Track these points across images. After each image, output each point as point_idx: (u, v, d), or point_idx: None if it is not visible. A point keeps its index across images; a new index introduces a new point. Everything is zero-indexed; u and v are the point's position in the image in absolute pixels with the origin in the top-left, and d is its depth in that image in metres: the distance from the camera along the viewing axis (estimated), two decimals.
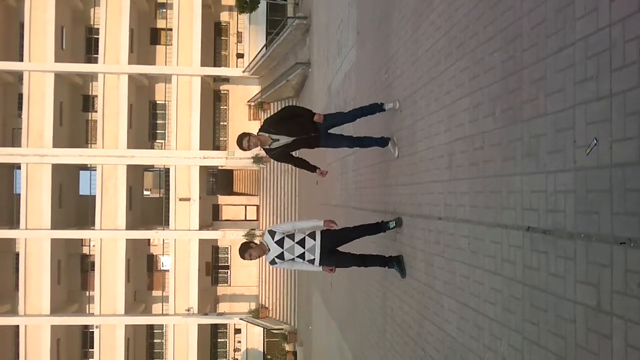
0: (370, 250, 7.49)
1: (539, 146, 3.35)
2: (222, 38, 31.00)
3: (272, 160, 27.04)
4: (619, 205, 2.61)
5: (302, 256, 6.11)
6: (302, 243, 6.10)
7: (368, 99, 6.90)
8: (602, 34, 2.75)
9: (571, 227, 3.01)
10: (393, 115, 6.85)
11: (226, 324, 30.17)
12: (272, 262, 6.20)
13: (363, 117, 6.88)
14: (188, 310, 27.44)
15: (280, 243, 6.08)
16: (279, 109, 6.81)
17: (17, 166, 27.70)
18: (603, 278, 2.72)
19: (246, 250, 6.09)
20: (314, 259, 6.13)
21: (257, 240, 27.57)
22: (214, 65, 29.91)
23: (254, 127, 29.16)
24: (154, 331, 30.51)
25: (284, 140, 6.23)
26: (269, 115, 6.59)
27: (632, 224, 2.51)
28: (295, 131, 6.23)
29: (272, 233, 6.16)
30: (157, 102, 30.13)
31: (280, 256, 6.10)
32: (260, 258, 6.41)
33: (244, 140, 6.16)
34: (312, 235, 6.17)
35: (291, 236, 6.13)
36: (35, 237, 26.48)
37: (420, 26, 5.88)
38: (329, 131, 6.49)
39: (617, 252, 2.61)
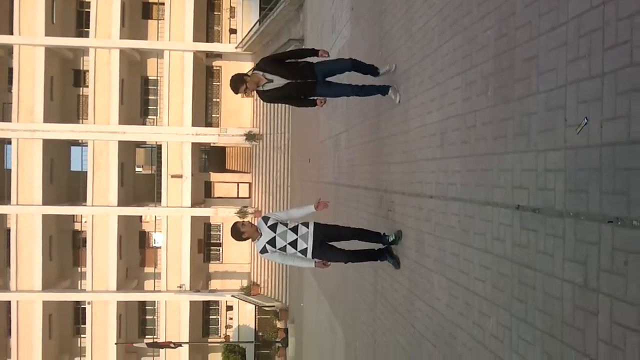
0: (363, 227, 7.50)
1: (530, 125, 3.36)
2: (215, 13, 30.66)
3: (264, 139, 26.82)
4: (608, 184, 2.63)
5: (294, 243, 5.99)
6: (295, 230, 6.03)
7: (363, 76, 6.86)
8: (595, 12, 2.74)
9: (560, 205, 3.03)
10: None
11: (218, 301, 30.33)
12: (263, 250, 6.04)
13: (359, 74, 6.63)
14: (180, 287, 27.55)
15: (273, 228, 5.99)
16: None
17: (8, 141, 27.50)
18: (590, 256, 2.75)
19: (238, 228, 6.00)
20: (307, 248, 6.02)
21: (249, 217, 27.68)
22: (207, 41, 29.62)
23: (247, 104, 29.08)
24: (146, 308, 30.64)
25: (277, 81, 5.89)
26: (268, 55, 6.20)
27: (620, 203, 2.53)
28: (290, 74, 5.90)
29: (265, 219, 6.09)
30: (149, 77, 29.88)
31: (272, 242, 5.97)
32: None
33: (240, 87, 5.87)
34: (305, 224, 6.12)
35: (285, 223, 6.06)
36: (27, 213, 26.40)
37: (414, 3, 5.84)
38: (326, 79, 6.16)
39: (605, 231, 2.64)
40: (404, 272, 6.16)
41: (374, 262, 6.83)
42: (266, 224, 6.01)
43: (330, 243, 6.28)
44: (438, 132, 5.02)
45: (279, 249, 6.03)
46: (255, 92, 6.02)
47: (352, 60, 6.41)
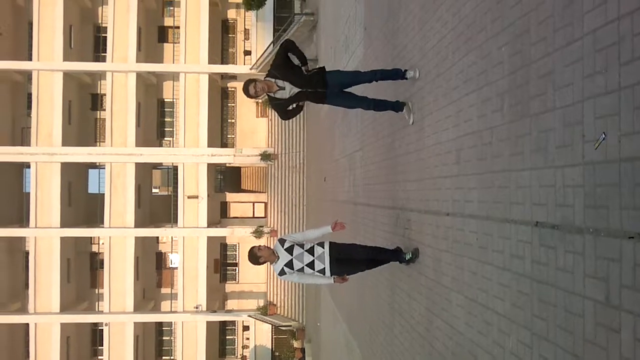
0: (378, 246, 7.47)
1: (547, 141, 3.34)
2: (230, 35, 31.03)
3: (279, 158, 26.91)
4: (628, 199, 2.60)
5: (311, 265, 6.02)
6: (311, 251, 6.04)
7: (376, 94, 6.88)
8: (611, 27, 2.73)
9: (580, 221, 3.00)
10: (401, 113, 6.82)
11: (234, 321, 30.26)
12: (281, 273, 6.07)
13: (381, 81, 6.51)
14: (196, 308, 27.53)
15: (289, 250, 6.01)
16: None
17: (27, 165, 27.86)
18: (612, 272, 2.71)
19: (255, 253, 6.03)
20: (324, 268, 6.03)
21: (265, 236, 27.69)
22: (222, 63, 29.95)
23: (261, 124, 29.25)
24: (163, 328, 30.64)
25: (288, 89, 5.84)
26: (274, 58, 6.08)
27: None
28: (300, 81, 5.84)
29: (282, 241, 6.11)
30: (165, 100, 30.22)
31: (290, 264, 6.00)
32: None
33: (250, 87, 5.82)
34: (321, 244, 6.13)
35: (301, 245, 6.08)
36: (45, 236, 26.63)
37: (428, 21, 5.87)
38: (342, 90, 6.11)
39: (626, 247, 2.61)
40: (422, 290, 6.11)
41: (395, 266, 6.83)
42: (283, 247, 6.04)
43: (348, 259, 6.28)
44: (454, 149, 5.00)
45: (296, 271, 6.05)
46: (267, 95, 5.98)
47: (372, 72, 6.34)
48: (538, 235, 3.46)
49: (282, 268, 6.03)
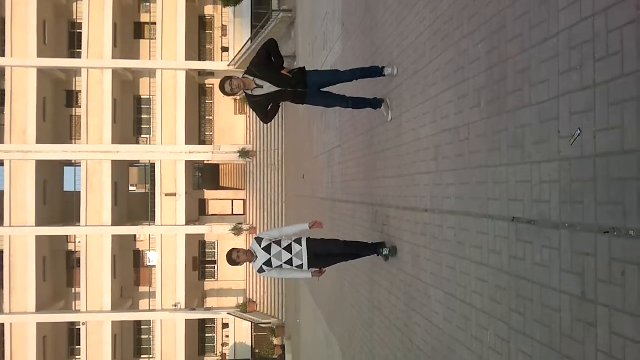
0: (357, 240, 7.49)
1: (524, 137, 3.37)
2: (207, 32, 30.81)
3: (257, 156, 26.82)
4: (603, 194, 2.63)
5: (289, 262, 6.09)
6: (289, 249, 6.10)
7: (354, 92, 6.88)
8: (586, 24, 2.76)
9: (556, 217, 3.03)
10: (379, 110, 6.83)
11: (214, 318, 30.13)
12: (260, 270, 6.14)
13: (361, 79, 6.55)
14: (175, 306, 27.37)
15: (267, 249, 6.07)
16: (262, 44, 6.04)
17: (0, 163, 27.39)
18: (588, 267, 2.74)
19: (233, 252, 6.09)
20: (302, 264, 6.12)
21: (244, 234, 27.59)
22: (199, 59, 29.72)
23: (240, 121, 29.12)
24: (142, 327, 30.40)
25: (267, 88, 5.80)
26: (255, 56, 6.03)
27: (616, 213, 2.53)
28: (281, 81, 5.81)
29: (259, 240, 6.16)
30: (142, 96, 29.91)
31: (268, 263, 6.07)
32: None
33: (226, 84, 5.77)
34: (298, 241, 6.17)
35: (278, 242, 6.13)
36: (20, 234, 26.24)
37: (405, 18, 5.88)
38: (320, 89, 6.10)
39: (601, 241, 2.64)
40: (401, 286, 6.14)
41: (374, 263, 6.88)
42: (260, 246, 6.09)
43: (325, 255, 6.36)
44: (432, 145, 5.03)
45: (275, 268, 6.14)
46: (244, 94, 5.92)
47: (351, 71, 6.36)
48: (515, 230, 3.49)
49: (261, 266, 6.10)
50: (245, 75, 5.84)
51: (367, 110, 6.91)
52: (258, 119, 6.53)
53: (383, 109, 6.48)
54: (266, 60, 5.85)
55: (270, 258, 6.06)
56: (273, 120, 6.60)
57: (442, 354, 4.85)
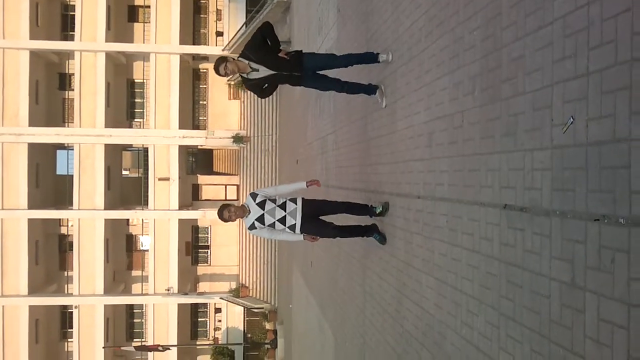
0: (349, 223, 7.49)
1: (517, 125, 3.39)
2: (201, 16, 30.58)
3: (251, 141, 26.77)
4: (594, 182, 2.65)
5: (283, 220, 5.97)
6: (283, 206, 6.00)
7: (349, 77, 6.87)
8: (580, 12, 2.76)
9: (547, 204, 3.05)
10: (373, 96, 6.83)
11: (206, 303, 30.22)
12: (252, 227, 6.02)
13: (356, 65, 6.57)
14: (168, 290, 27.42)
15: (261, 205, 5.95)
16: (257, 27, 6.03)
17: None
18: (577, 254, 2.77)
19: (225, 209, 5.95)
20: (295, 224, 6.00)
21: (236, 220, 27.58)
22: (193, 44, 29.52)
23: (234, 107, 29.02)
24: (134, 311, 30.46)
25: (263, 72, 5.81)
26: (249, 39, 5.96)
27: (607, 201, 2.56)
28: (277, 65, 5.81)
29: (254, 195, 6.04)
30: (135, 80, 29.73)
31: (261, 219, 5.94)
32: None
33: (220, 67, 5.76)
34: (293, 200, 6.09)
35: (273, 200, 6.03)
36: (12, 217, 26.16)
37: (401, 4, 5.86)
38: (316, 73, 6.11)
39: (592, 229, 2.66)
40: (392, 272, 6.17)
41: (367, 249, 6.85)
42: (255, 201, 5.97)
43: (319, 217, 6.29)
44: (426, 132, 5.04)
45: (267, 226, 6.02)
46: (240, 76, 5.93)
47: (347, 57, 6.39)
48: (506, 217, 3.51)
49: (253, 222, 5.97)
50: (240, 59, 5.81)
51: (362, 96, 6.91)
52: (252, 102, 6.52)
53: (377, 95, 6.47)
54: (261, 43, 5.82)
55: (264, 214, 5.92)
56: (267, 106, 6.61)
57: (432, 339, 4.90)
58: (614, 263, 2.50)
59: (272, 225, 6.02)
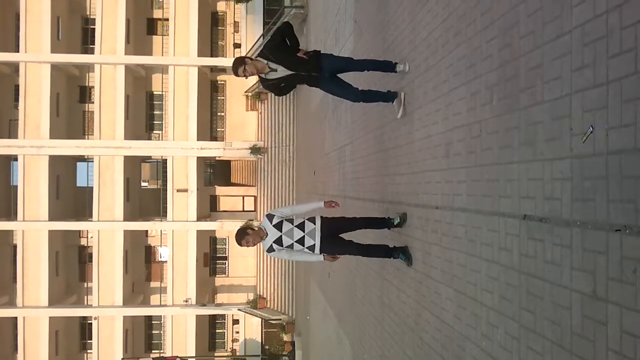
0: (369, 239, 7.44)
1: (536, 134, 3.35)
2: (219, 28, 30.87)
3: (268, 152, 26.86)
4: (615, 192, 2.61)
5: (301, 241, 5.81)
6: (301, 227, 5.84)
7: (367, 86, 6.86)
8: (599, 21, 2.74)
9: (567, 214, 3.01)
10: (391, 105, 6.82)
11: (224, 314, 30.24)
12: (270, 250, 5.87)
13: (372, 71, 6.54)
14: (186, 301, 27.49)
15: (278, 226, 5.80)
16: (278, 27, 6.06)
17: (14, 158, 27.60)
18: (599, 265, 2.73)
19: (243, 236, 5.78)
20: (314, 245, 5.83)
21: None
22: (211, 56, 29.79)
23: (251, 118, 29.15)
24: (152, 322, 30.58)
25: (281, 72, 5.80)
26: (268, 40, 6.00)
27: (628, 211, 2.52)
28: (295, 65, 5.79)
29: (270, 217, 5.89)
30: (154, 92, 30.05)
31: (279, 241, 5.80)
32: (258, 246, 6.13)
33: (239, 69, 5.73)
34: (311, 220, 5.93)
35: (290, 220, 5.88)
36: (33, 229, 26.45)
37: (418, 14, 5.86)
38: (333, 75, 6.06)
39: (613, 239, 2.62)
40: (411, 283, 6.13)
41: (385, 260, 6.74)
42: (271, 223, 5.84)
43: (339, 235, 6.14)
44: (443, 142, 5.01)
45: (286, 247, 5.87)
46: (258, 77, 5.93)
47: (364, 62, 6.35)
48: (526, 228, 3.47)
49: (271, 245, 5.83)
50: (259, 58, 5.82)
51: (378, 106, 6.89)
52: (270, 114, 6.56)
53: (395, 103, 6.38)
54: (280, 43, 5.81)
55: (281, 236, 5.78)
56: (284, 117, 6.64)
57: (452, 351, 4.85)
58: (636, 274, 2.46)
59: (291, 247, 5.86)
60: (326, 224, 5.97)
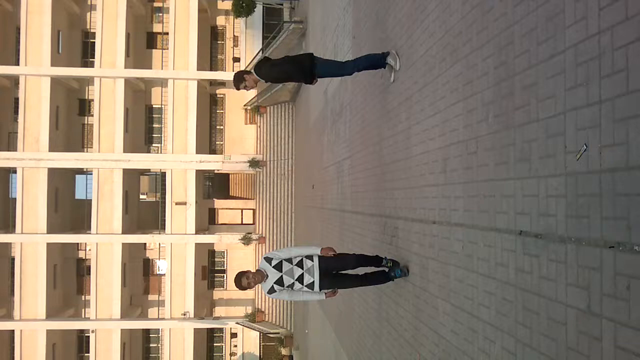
0: (369, 253, 7.45)
1: (531, 151, 3.41)
2: (219, 42, 31.05)
3: (267, 165, 26.90)
4: (608, 209, 2.66)
5: (301, 279, 5.88)
6: (300, 264, 5.92)
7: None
8: (592, 41, 2.80)
9: (562, 231, 3.06)
10: (388, 120, 6.88)
11: (222, 328, 30.14)
12: (271, 291, 5.92)
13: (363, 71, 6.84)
14: (184, 315, 27.41)
15: (278, 267, 5.88)
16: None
17: (13, 170, 27.64)
18: (593, 281, 2.77)
19: (242, 277, 5.87)
20: (314, 282, 5.91)
21: (253, 243, 27.66)
22: (211, 69, 29.95)
23: (250, 131, 29.24)
24: (150, 335, 30.46)
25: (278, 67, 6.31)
26: (267, 57, 6.51)
27: (621, 228, 2.56)
28: (289, 72, 6.32)
29: (268, 259, 5.97)
30: (154, 106, 30.15)
31: (280, 282, 5.86)
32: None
33: (240, 85, 6.20)
34: (309, 257, 6.01)
35: (289, 260, 5.95)
36: (31, 242, 26.43)
37: (415, 32, 5.94)
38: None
39: (607, 256, 2.66)
40: (409, 298, 6.15)
41: (383, 284, 6.80)
42: (270, 265, 5.92)
43: (337, 272, 6.25)
44: (440, 158, 5.06)
45: (287, 287, 5.93)
46: (256, 85, 6.39)
47: (355, 63, 6.59)
48: (522, 244, 3.51)
49: (272, 286, 5.89)
50: (253, 73, 6.23)
51: (378, 121, 6.98)
52: (268, 128, 6.83)
53: (389, 59, 6.60)
54: (278, 68, 6.27)
55: (282, 275, 5.85)
56: (283, 131, 6.86)
57: None
58: (630, 290, 2.50)
59: (291, 286, 5.92)
60: (323, 262, 6.05)
